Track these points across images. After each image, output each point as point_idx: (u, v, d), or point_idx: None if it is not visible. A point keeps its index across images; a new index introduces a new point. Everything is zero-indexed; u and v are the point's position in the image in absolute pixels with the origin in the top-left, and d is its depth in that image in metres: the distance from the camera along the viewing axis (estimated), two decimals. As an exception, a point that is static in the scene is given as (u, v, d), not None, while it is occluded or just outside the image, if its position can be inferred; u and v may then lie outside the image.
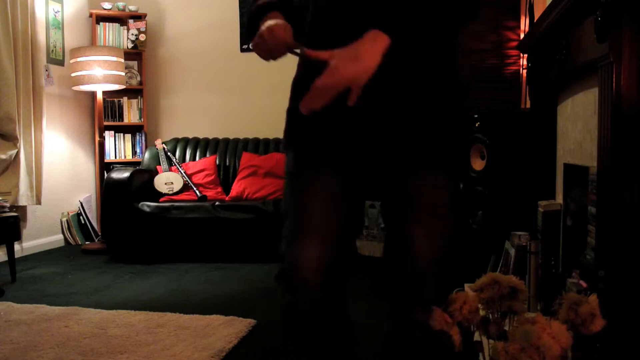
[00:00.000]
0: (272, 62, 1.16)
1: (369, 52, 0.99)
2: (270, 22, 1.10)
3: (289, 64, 1.36)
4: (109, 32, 4.73)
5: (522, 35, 4.06)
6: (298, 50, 1.10)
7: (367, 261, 3.22)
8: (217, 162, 4.37)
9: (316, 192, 1.14)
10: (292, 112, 1.19)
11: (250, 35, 1.17)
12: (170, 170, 4.21)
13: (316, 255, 1.10)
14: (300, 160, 1.18)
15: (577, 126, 1.99)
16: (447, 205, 1.17)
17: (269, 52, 1.10)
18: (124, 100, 4.78)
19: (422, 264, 1.14)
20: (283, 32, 1.08)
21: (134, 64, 4.82)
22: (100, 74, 4.06)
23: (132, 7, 4.77)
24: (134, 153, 4.83)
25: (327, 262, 1.11)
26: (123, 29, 4.75)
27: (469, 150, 2.60)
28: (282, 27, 1.08)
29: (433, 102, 1.11)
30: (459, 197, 1.00)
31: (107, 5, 4.71)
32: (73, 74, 4.11)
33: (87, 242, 4.49)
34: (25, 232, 4.02)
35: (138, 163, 4.62)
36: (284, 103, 1.26)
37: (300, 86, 1.16)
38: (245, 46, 4.71)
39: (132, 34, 4.72)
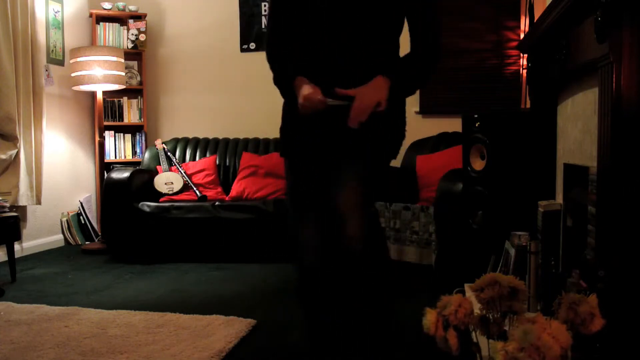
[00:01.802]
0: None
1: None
2: (303, 91, 1.62)
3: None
4: (109, 32, 4.73)
5: (522, 35, 4.07)
6: (331, 101, 1.59)
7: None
8: (217, 162, 4.37)
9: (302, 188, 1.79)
10: (283, 131, 1.82)
11: (283, 92, 1.80)
12: (170, 170, 4.21)
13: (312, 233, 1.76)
14: (291, 167, 1.82)
15: (577, 126, 1.99)
16: (362, 176, 1.71)
17: (312, 110, 1.62)
18: (124, 100, 4.78)
19: (346, 206, 1.67)
20: (316, 95, 1.60)
21: (134, 64, 4.82)
22: (100, 74, 4.06)
23: (132, 7, 4.78)
24: (134, 153, 4.83)
25: (320, 236, 1.74)
26: (123, 29, 4.75)
27: (469, 150, 2.61)
28: (313, 92, 1.60)
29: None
30: (377, 173, 1.76)
31: (107, 5, 4.71)
32: (73, 74, 4.11)
33: (87, 242, 4.49)
34: (25, 232, 4.02)
35: (138, 163, 4.62)
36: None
37: (287, 112, 1.81)
38: (245, 46, 4.71)
39: (132, 34, 4.72)
